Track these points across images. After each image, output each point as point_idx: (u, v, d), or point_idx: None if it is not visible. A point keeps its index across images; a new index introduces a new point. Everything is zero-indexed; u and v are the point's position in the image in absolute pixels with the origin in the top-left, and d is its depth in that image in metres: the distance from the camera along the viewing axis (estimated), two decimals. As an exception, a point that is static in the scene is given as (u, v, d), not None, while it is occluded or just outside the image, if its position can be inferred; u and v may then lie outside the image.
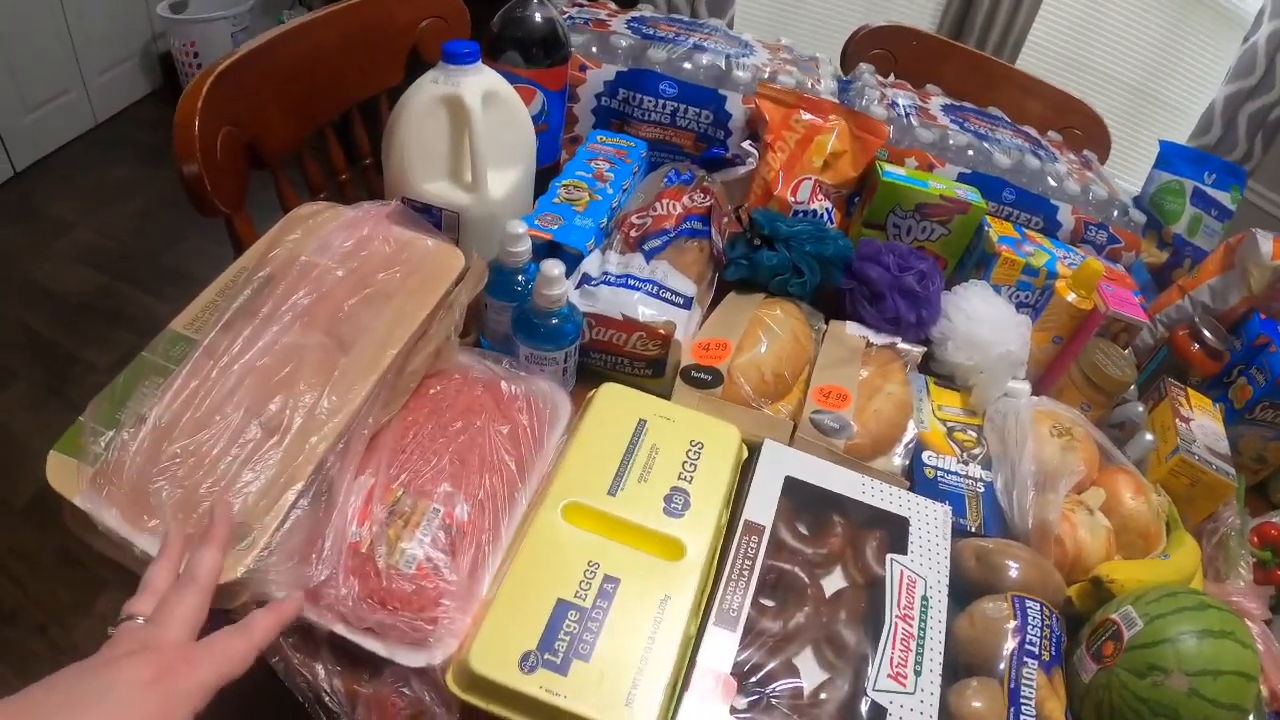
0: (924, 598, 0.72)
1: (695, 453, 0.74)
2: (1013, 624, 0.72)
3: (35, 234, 2.41)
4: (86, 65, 2.70)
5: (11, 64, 2.40)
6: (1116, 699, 0.73)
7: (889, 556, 0.74)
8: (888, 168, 1.08)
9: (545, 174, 1.05)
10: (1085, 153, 1.34)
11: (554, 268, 0.74)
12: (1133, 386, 1.07)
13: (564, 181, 1.01)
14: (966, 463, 0.92)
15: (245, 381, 0.64)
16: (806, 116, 1.12)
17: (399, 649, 0.57)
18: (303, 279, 0.72)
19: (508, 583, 0.61)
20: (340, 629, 0.57)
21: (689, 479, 0.71)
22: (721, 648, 0.63)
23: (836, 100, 1.17)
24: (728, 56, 1.19)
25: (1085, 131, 1.48)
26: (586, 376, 0.85)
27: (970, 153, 1.15)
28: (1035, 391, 1.03)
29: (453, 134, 0.87)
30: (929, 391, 1.00)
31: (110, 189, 2.61)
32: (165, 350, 0.67)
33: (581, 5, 1.30)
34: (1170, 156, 1.33)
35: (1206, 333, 1.14)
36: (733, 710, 0.60)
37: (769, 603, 0.71)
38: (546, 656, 0.57)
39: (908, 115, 1.18)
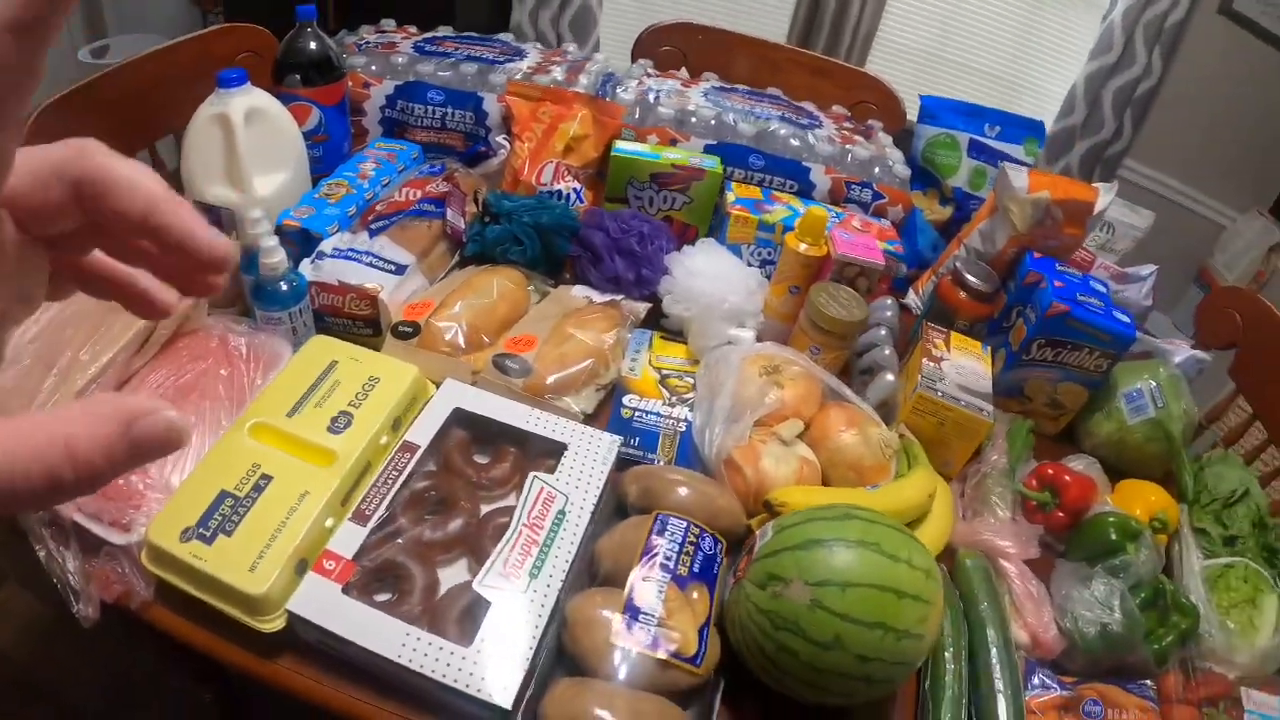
0: (561, 512, 0.80)
1: (370, 386, 0.88)
2: (649, 539, 0.77)
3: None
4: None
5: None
6: (743, 613, 0.74)
7: (531, 474, 0.83)
8: (621, 144, 1.16)
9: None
10: (870, 122, 1.39)
11: (270, 239, 0.90)
12: (885, 332, 1.13)
13: (330, 181, 1.17)
14: (673, 405, 1.02)
15: (43, 336, 0.82)
16: (552, 107, 1.19)
17: (111, 531, 0.74)
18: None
19: (190, 479, 0.77)
20: (76, 516, 0.74)
21: (358, 405, 0.85)
22: (350, 539, 0.76)
23: (588, 92, 1.24)
24: (490, 63, 1.31)
25: (879, 105, 1.56)
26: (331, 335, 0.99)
27: (714, 125, 1.21)
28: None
29: (225, 145, 1.05)
30: (651, 344, 1.11)
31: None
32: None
33: (384, 31, 1.46)
34: (934, 109, 1.39)
35: (969, 275, 1.17)
36: (344, 588, 0.73)
37: (431, 515, 0.84)
38: (200, 531, 0.72)
39: (656, 98, 1.24)
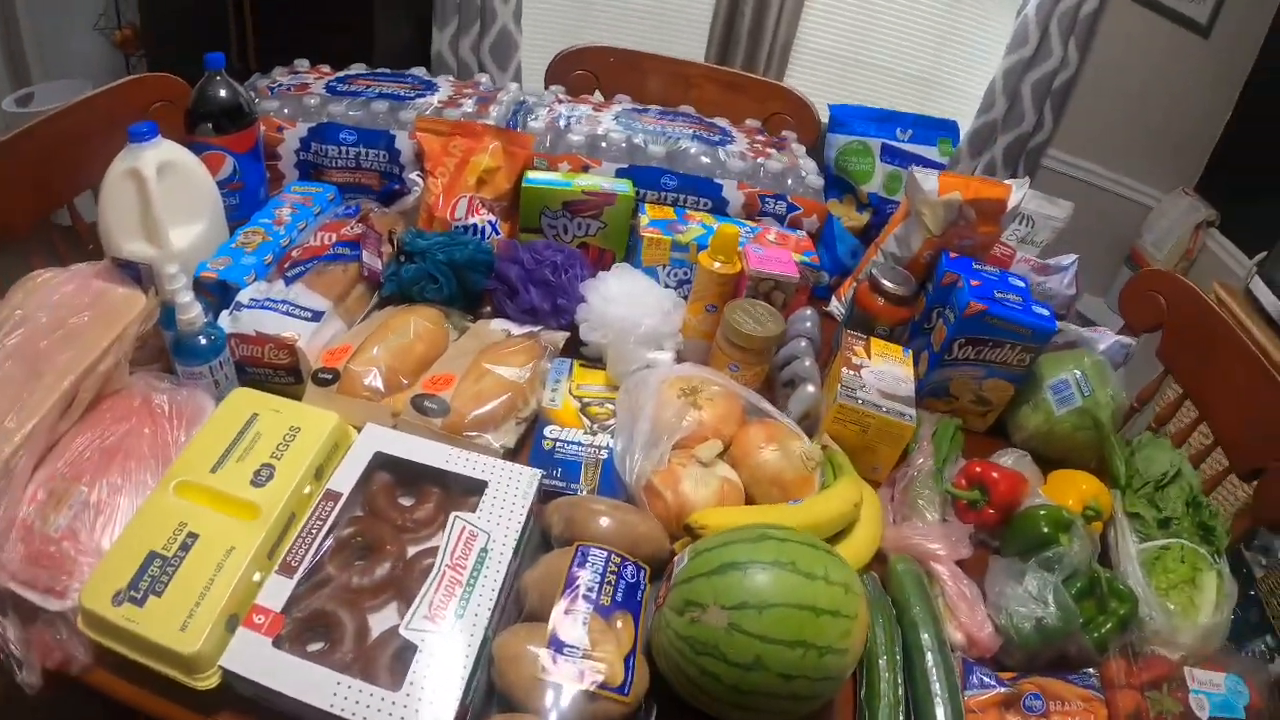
0: (483, 550, 0.82)
1: (291, 436, 0.88)
2: (570, 571, 0.78)
3: None
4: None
5: None
6: (665, 639, 0.75)
7: (453, 514, 0.84)
8: (532, 174, 1.17)
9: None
10: (784, 134, 1.41)
11: (186, 295, 0.92)
12: (805, 344, 1.14)
13: (246, 229, 1.18)
14: (595, 433, 1.04)
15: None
16: (462, 141, 1.20)
17: (47, 598, 0.75)
18: (15, 327, 0.92)
19: (119, 541, 0.78)
20: (11, 584, 0.75)
21: (280, 456, 0.86)
22: (278, 591, 0.77)
23: (500, 123, 1.25)
24: (401, 99, 1.34)
25: (793, 115, 1.58)
26: (254, 386, 0.99)
27: (625, 148, 1.23)
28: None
29: (139, 200, 1.05)
30: (571, 372, 1.12)
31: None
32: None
33: (297, 72, 1.47)
34: (843, 118, 1.42)
35: (885, 281, 1.19)
36: (275, 641, 0.74)
37: (359, 561, 0.85)
38: (131, 593, 0.73)
39: (567, 124, 1.25)
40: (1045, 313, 1.11)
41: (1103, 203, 2.92)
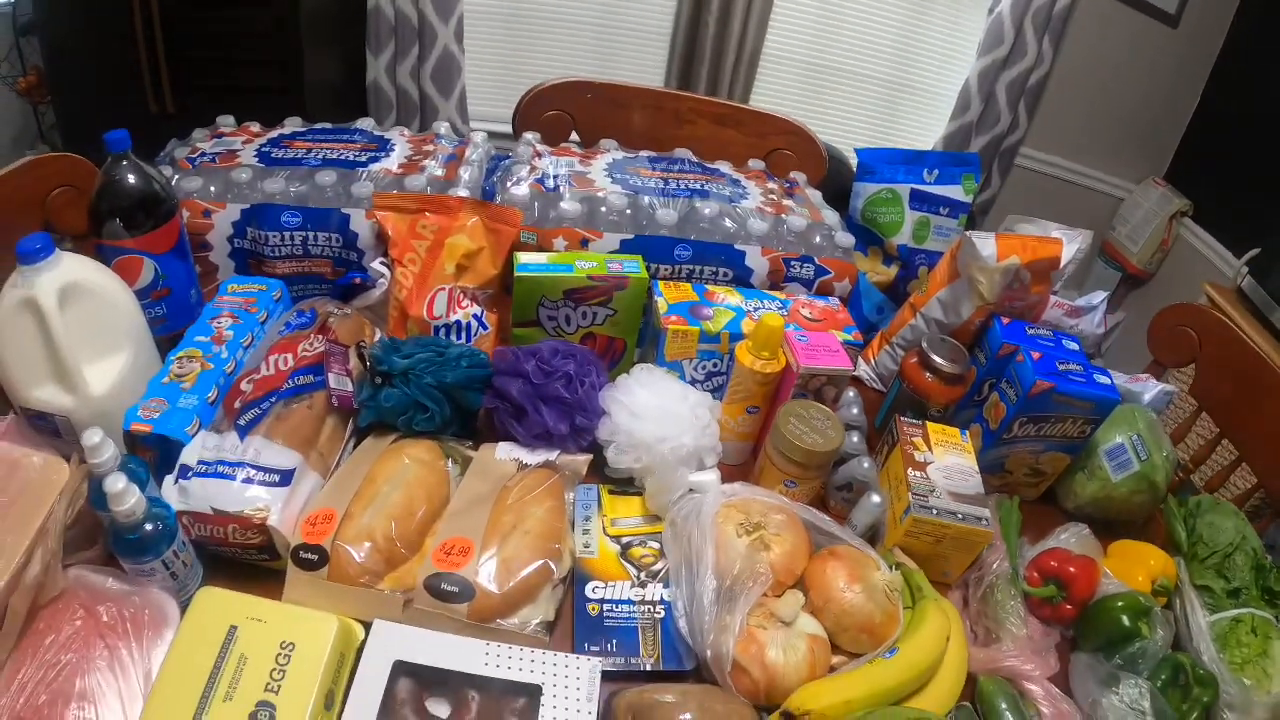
0: None
1: (285, 657, 0.71)
2: None
3: None
4: None
5: None
6: None
7: None
8: (524, 259, 1.01)
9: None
10: (792, 176, 1.29)
11: (116, 482, 0.71)
12: (858, 438, 1.04)
13: (179, 353, 0.96)
14: (644, 584, 0.88)
15: None
16: (433, 219, 1.06)
17: None
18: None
19: None
20: None
21: (276, 689, 0.69)
22: None
23: (470, 191, 1.11)
24: (351, 165, 1.15)
25: (794, 149, 1.45)
26: (222, 565, 0.84)
27: (630, 214, 1.07)
28: (742, 473, 0.99)
29: (42, 335, 0.86)
30: (600, 504, 0.96)
31: None
32: None
33: (221, 134, 1.25)
34: (872, 164, 1.30)
35: (937, 358, 1.09)
36: None
37: None
38: None
39: (557, 187, 1.09)
40: (1108, 381, 1.04)
41: (1073, 197, 2.90)
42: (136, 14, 2.02)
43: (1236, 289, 2.27)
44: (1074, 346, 1.10)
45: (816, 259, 1.16)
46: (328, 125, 1.29)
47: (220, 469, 0.83)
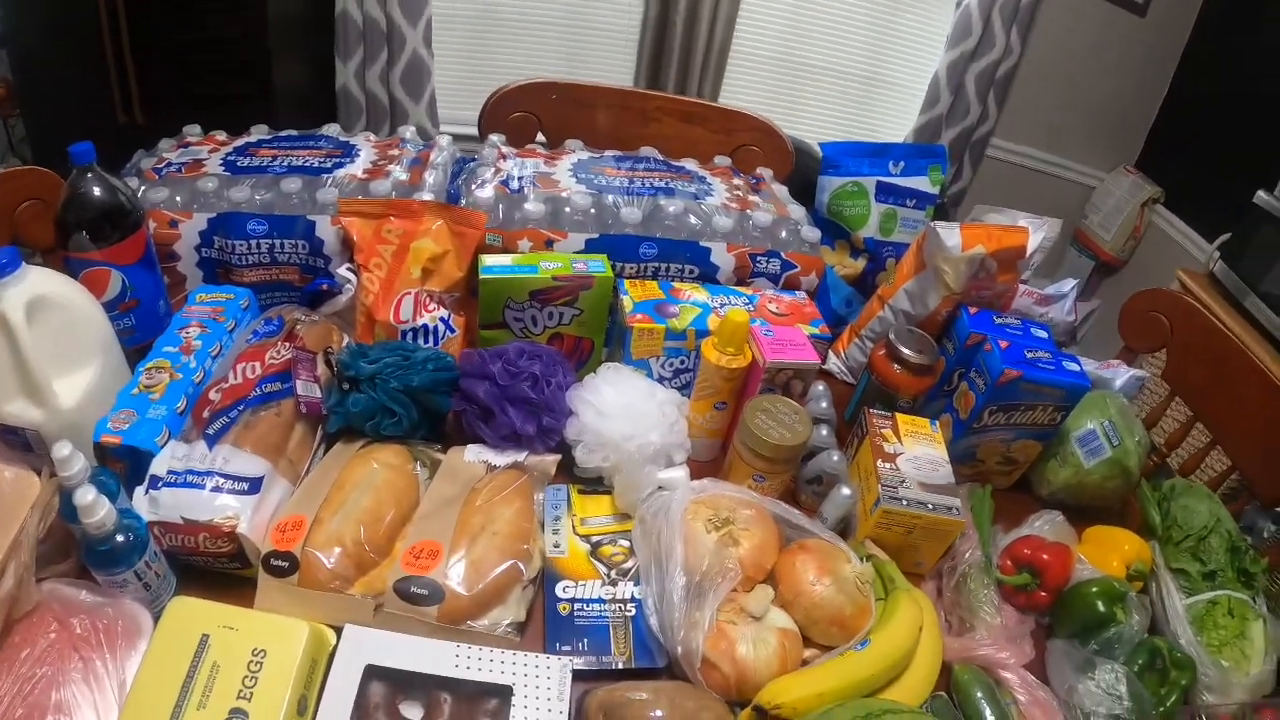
0: None
1: (257, 664, 0.72)
2: None
3: None
4: None
5: None
6: None
7: None
8: (489, 261, 1.01)
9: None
10: (758, 172, 1.29)
11: (87, 494, 0.72)
12: (827, 431, 1.03)
13: (148, 364, 0.95)
14: (614, 582, 0.88)
15: None
16: (398, 223, 1.05)
17: None
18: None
19: None
20: None
21: (248, 696, 0.70)
22: None
23: (435, 195, 1.12)
24: (316, 172, 1.15)
25: (760, 145, 1.45)
26: (195, 574, 0.85)
27: (594, 213, 1.07)
28: (711, 469, 1.00)
29: (9, 350, 0.85)
30: (570, 504, 0.96)
31: None
32: None
33: (187, 144, 1.24)
34: (836, 158, 1.30)
35: (904, 349, 1.09)
36: None
37: None
38: None
39: (521, 189, 1.09)
40: (1076, 368, 1.04)
41: (1045, 187, 2.92)
42: (104, 26, 2.01)
43: (1209, 274, 2.29)
44: (1043, 335, 1.11)
45: (783, 254, 1.17)
46: (293, 132, 1.29)
47: (189, 478, 0.83)
